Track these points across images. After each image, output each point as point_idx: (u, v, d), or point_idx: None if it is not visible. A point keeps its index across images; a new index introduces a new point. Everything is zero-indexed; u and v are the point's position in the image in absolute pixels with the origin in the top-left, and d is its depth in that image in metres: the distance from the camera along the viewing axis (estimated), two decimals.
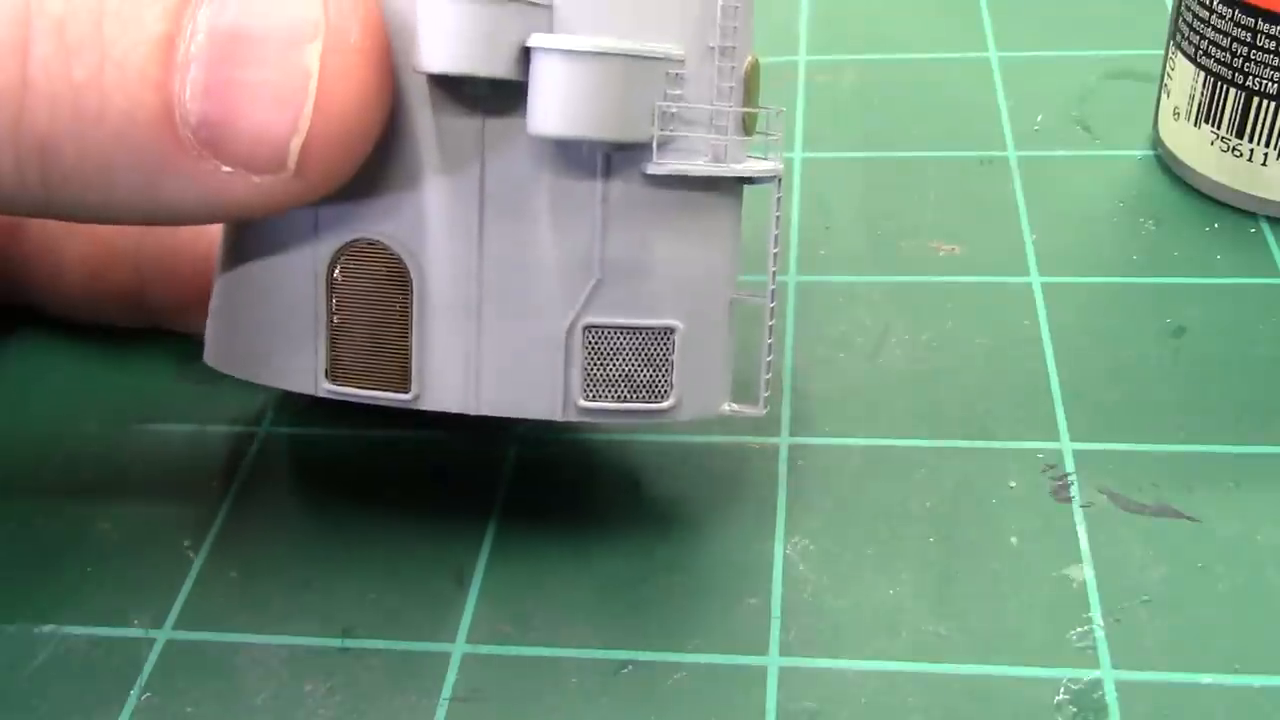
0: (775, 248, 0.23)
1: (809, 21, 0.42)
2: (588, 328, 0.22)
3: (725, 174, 0.22)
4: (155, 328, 0.30)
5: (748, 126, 0.23)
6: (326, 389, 0.22)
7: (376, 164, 0.21)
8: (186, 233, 0.28)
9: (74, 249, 0.28)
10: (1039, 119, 0.36)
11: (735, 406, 0.23)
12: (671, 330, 0.22)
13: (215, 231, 0.27)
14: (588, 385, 0.22)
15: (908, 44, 0.40)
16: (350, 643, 0.24)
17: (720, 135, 0.22)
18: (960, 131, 0.36)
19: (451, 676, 0.23)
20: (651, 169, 0.21)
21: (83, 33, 0.19)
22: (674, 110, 0.21)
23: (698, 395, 0.23)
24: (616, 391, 0.22)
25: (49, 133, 0.19)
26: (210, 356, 0.24)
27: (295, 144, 0.19)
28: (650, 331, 0.22)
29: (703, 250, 0.22)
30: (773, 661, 0.23)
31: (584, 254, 0.21)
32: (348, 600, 0.24)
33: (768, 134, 0.23)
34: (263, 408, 0.29)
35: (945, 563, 0.24)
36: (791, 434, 0.27)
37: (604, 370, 0.22)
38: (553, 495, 0.26)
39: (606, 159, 0.21)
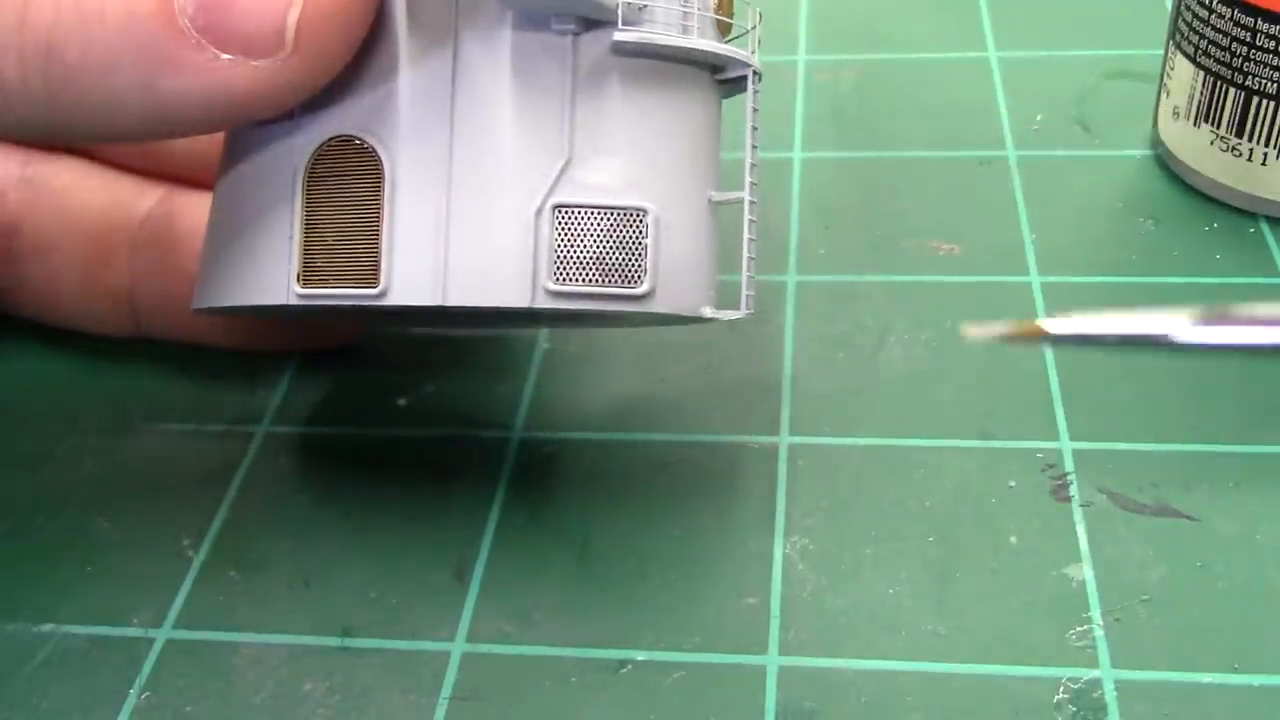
0: (753, 142, 0.23)
1: (809, 21, 0.42)
2: (557, 207, 0.21)
3: (692, 46, 0.22)
4: (144, 334, 0.29)
5: (723, 9, 0.23)
6: (297, 294, 0.21)
7: (357, 59, 0.21)
8: (182, 231, 0.28)
9: (67, 250, 0.28)
10: (1038, 119, 0.36)
11: (716, 311, 0.23)
12: (643, 212, 0.22)
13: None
14: (557, 268, 0.21)
15: (908, 44, 0.40)
16: (350, 641, 0.24)
17: (693, 11, 0.22)
18: (960, 131, 0.36)
19: (451, 675, 0.23)
20: (618, 35, 0.21)
21: None
22: None
23: (675, 288, 0.22)
24: (587, 274, 0.21)
25: (52, 32, 0.19)
26: (197, 299, 0.24)
27: (292, 17, 0.19)
28: (621, 212, 0.21)
29: (674, 134, 0.22)
30: (772, 661, 0.23)
31: (554, 134, 0.21)
32: (347, 599, 0.24)
33: (743, 30, 0.23)
34: (263, 408, 0.29)
35: (945, 563, 0.24)
36: (791, 434, 0.27)
37: (574, 252, 0.21)
38: (552, 494, 0.26)
39: (575, 38, 0.21)
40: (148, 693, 0.23)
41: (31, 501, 0.27)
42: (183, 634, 0.24)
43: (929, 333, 0.29)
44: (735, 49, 0.23)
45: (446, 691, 0.23)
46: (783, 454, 0.27)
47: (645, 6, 0.21)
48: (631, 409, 0.28)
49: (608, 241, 0.21)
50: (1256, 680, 0.22)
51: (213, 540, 0.26)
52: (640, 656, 0.23)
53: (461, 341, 0.30)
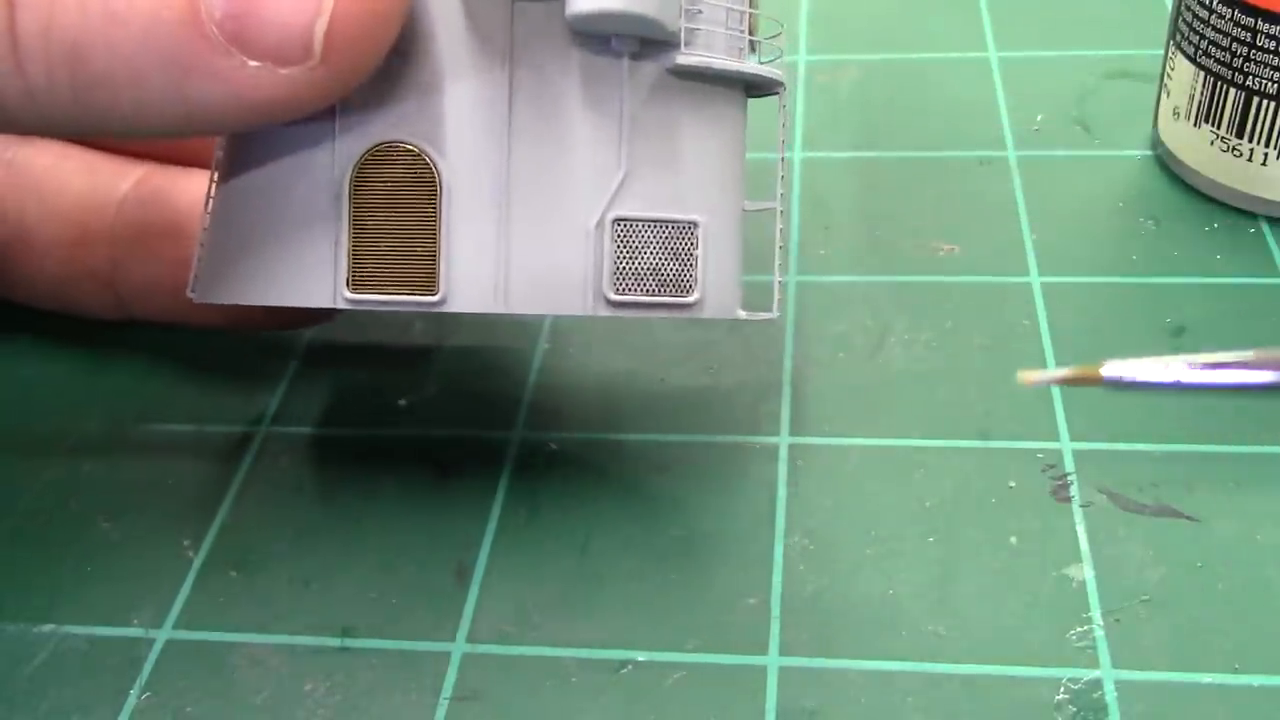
0: (784, 153, 0.24)
1: (809, 21, 0.42)
2: (616, 221, 0.22)
3: (743, 70, 0.23)
4: (127, 315, 0.29)
5: (752, 28, 0.23)
6: (347, 298, 0.22)
7: (403, 65, 0.21)
8: (160, 211, 0.28)
9: (47, 233, 0.28)
10: (1039, 119, 0.36)
11: (748, 312, 0.24)
12: (695, 225, 0.22)
13: (190, 207, 0.27)
14: (617, 279, 0.22)
15: (908, 44, 0.40)
16: (350, 642, 0.24)
17: (737, 37, 0.23)
18: (960, 131, 0.36)
19: (451, 676, 0.23)
20: (680, 59, 0.22)
21: None
22: (698, 9, 0.22)
23: (717, 294, 0.23)
24: (644, 285, 0.22)
25: (79, 36, 0.19)
26: (203, 290, 0.23)
27: (319, 27, 0.19)
28: (676, 225, 0.22)
29: (717, 148, 0.23)
30: (773, 661, 0.23)
31: (611, 149, 0.22)
32: (347, 599, 0.24)
33: (775, 50, 0.24)
34: (263, 408, 0.29)
35: (945, 563, 0.24)
36: (791, 434, 0.27)
37: (632, 263, 0.22)
38: (553, 495, 0.26)
39: (631, 57, 0.22)
40: (148, 693, 0.23)
41: (31, 501, 0.27)
42: (183, 634, 0.24)
43: (929, 333, 0.29)
44: (773, 69, 0.24)
45: (446, 692, 0.23)
46: (783, 454, 0.27)
47: (697, 30, 0.22)
48: (631, 409, 0.28)
49: (664, 253, 0.22)
50: (1256, 680, 0.22)
51: (213, 540, 0.26)
52: (641, 657, 0.23)
53: (462, 342, 0.30)
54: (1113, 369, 0.17)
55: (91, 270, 0.28)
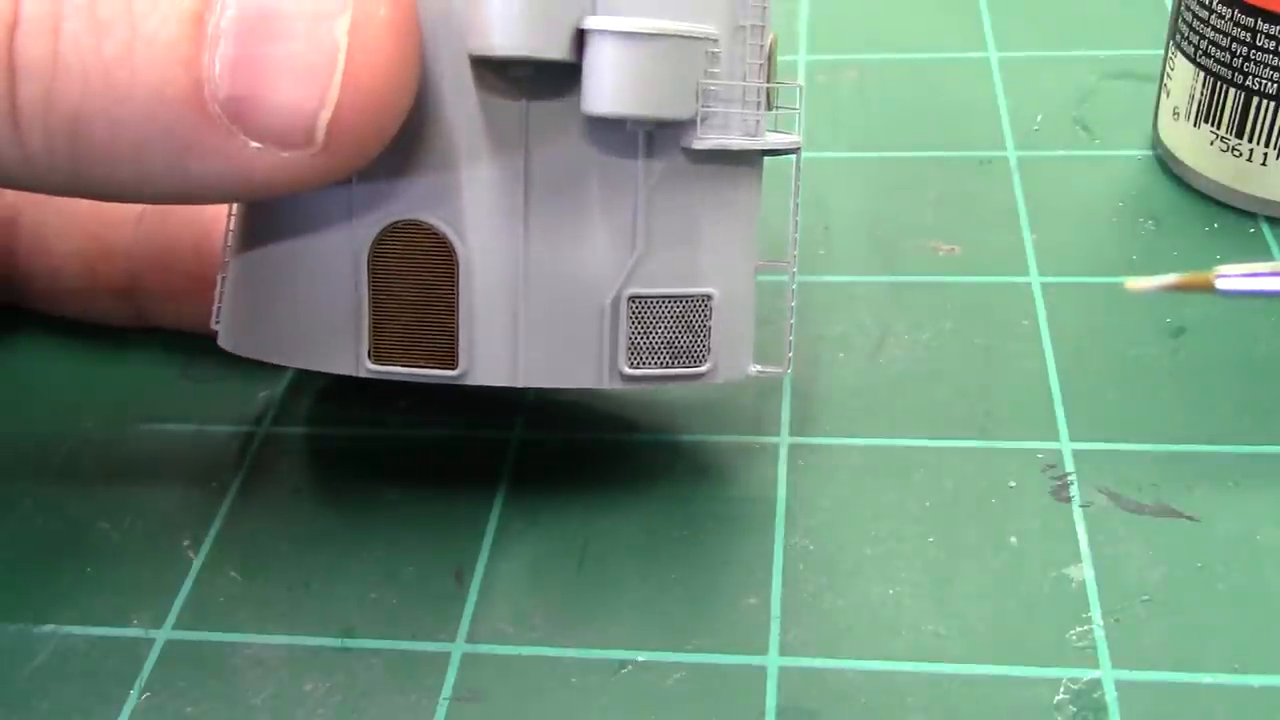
0: (796, 215, 0.25)
1: (809, 21, 0.42)
2: (632, 298, 0.22)
3: (758, 147, 0.23)
4: (147, 324, 0.30)
5: (770, 101, 0.24)
6: (370, 369, 0.22)
7: (420, 145, 0.21)
8: (179, 226, 0.28)
9: (67, 245, 0.28)
10: (1039, 119, 0.36)
11: (761, 368, 0.24)
12: (709, 297, 0.23)
13: (208, 223, 0.28)
14: (632, 353, 0.22)
15: (908, 44, 0.40)
16: (350, 642, 0.24)
17: (754, 110, 0.23)
18: (960, 131, 0.36)
19: (451, 676, 0.23)
20: (696, 144, 0.22)
21: (114, 9, 0.19)
22: (713, 88, 0.22)
23: (730, 358, 0.23)
24: (659, 358, 0.23)
25: (80, 109, 0.19)
26: (229, 341, 0.24)
27: (323, 118, 0.19)
28: (690, 299, 0.23)
29: (733, 220, 0.23)
30: (772, 661, 0.23)
31: (626, 228, 0.22)
32: (348, 600, 0.24)
33: (793, 108, 0.24)
34: (263, 408, 0.29)
35: (945, 563, 0.24)
36: (791, 434, 0.27)
37: (647, 338, 0.22)
38: (552, 495, 0.26)
39: (648, 136, 0.22)
40: (148, 694, 0.23)
41: (32, 502, 0.27)
42: (183, 635, 0.24)
43: (929, 333, 0.29)
44: (787, 136, 0.24)
45: (447, 692, 0.23)
46: (783, 454, 0.27)
47: (714, 110, 0.22)
48: (631, 409, 0.28)
49: (678, 327, 0.23)
50: (1256, 680, 0.22)
51: (213, 541, 0.26)
52: (640, 657, 0.23)
53: None
54: (1227, 279, 0.16)
55: (110, 283, 0.29)
